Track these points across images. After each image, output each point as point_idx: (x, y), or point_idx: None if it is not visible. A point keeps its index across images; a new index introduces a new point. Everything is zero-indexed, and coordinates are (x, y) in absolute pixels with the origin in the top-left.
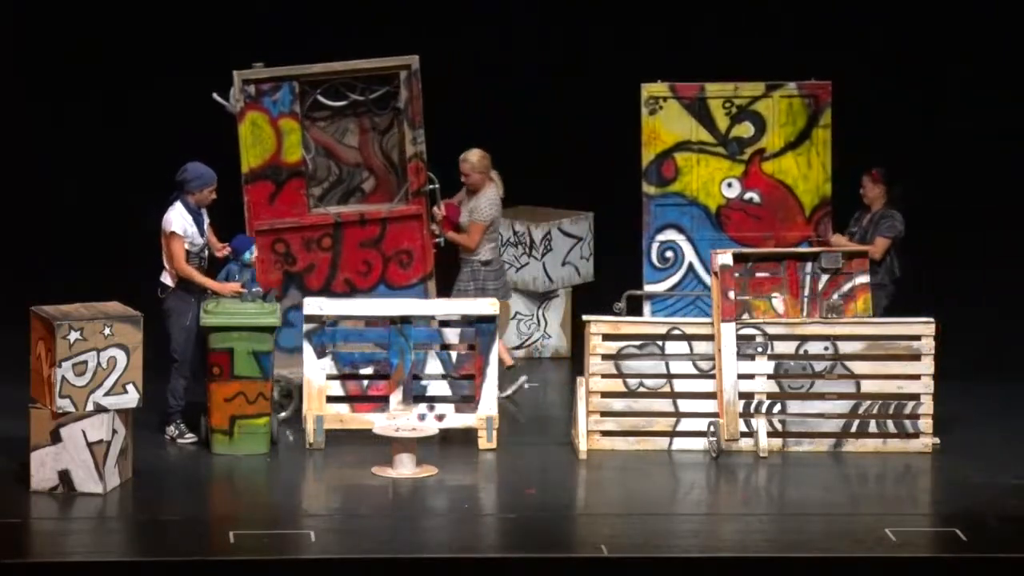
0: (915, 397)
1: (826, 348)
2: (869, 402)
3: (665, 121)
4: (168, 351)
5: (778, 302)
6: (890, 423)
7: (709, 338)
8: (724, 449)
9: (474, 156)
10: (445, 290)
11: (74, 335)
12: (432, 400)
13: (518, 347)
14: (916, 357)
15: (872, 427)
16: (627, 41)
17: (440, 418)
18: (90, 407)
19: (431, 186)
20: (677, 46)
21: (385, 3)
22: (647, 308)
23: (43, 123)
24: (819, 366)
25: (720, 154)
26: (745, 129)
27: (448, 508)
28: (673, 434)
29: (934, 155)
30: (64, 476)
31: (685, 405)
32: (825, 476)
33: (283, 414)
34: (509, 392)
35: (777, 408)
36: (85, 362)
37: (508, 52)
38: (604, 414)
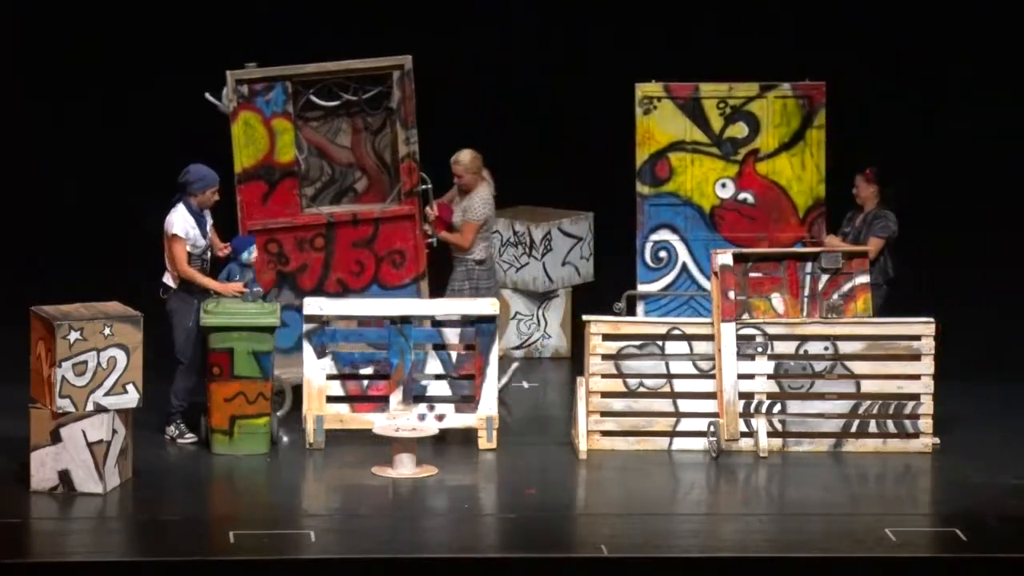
0: (915, 397)
1: (826, 348)
2: (869, 402)
3: (659, 121)
4: (171, 352)
5: (778, 302)
6: (890, 423)
7: (709, 338)
8: (724, 449)
9: (466, 157)
10: (438, 290)
11: (74, 335)
12: (432, 400)
13: (518, 347)
14: (916, 357)
15: (872, 427)
16: (626, 41)
17: (440, 418)
18: (90, 407)
19: (424, 186)
20: (676, 46)
21: (385, 3)
22: (640, 308)
23: (43, 123)
24: (819, 366)
25: (714, 154)
26: (739, 129)
27: (448, 508)
28: (673, 434)
29: (934, 155)
30: (64, 476)
31: (685, 405)
32: (825, 476)
33: (278, 413)
34: (504, 381)
35: (777, 408)
36: (85, 362)
37: (508, 52)
38: (604, 414)
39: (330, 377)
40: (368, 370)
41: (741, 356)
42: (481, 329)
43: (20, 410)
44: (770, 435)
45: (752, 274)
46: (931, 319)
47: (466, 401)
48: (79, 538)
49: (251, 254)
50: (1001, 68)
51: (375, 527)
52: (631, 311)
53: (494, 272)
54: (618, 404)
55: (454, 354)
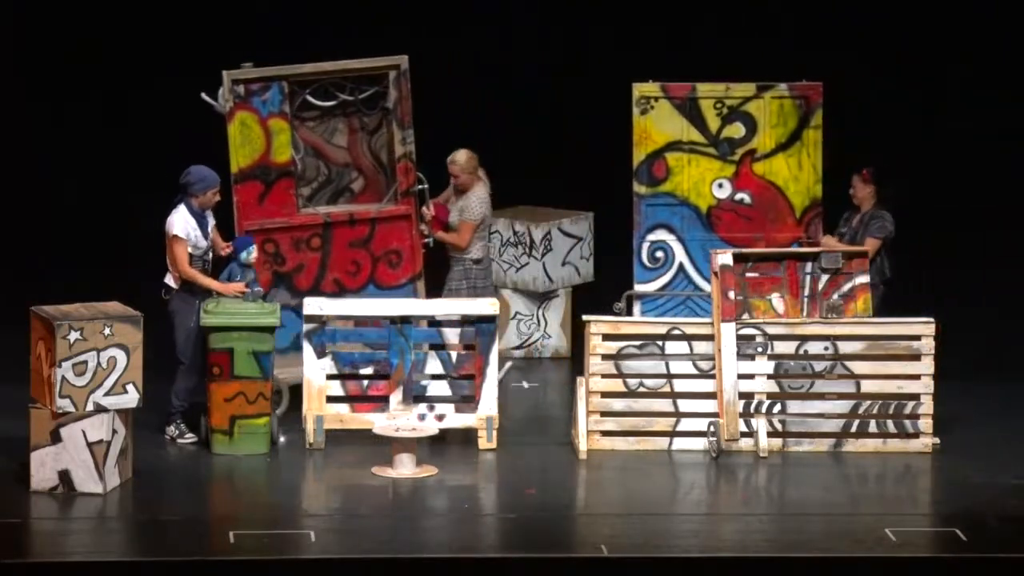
0: (915, 397)
1: (826, 348)
2: (869, 402)
3: (656, 121)
4: (172, 352)
5: (778, 302)
6: (890, 423)
7: (709, 338)
8: (724, 449)
9: (462, 157)
10: (435, 290)
11: (74, 335)
12: (432, 400)
13: (518, 347)
14: (916, 357)
15: (872, 427)
16: (626, 41)
17: (440, 418)
18: (90, 407)
19: (420, 186)
20: (676, 46)
21: (385, 3)
22: (637, 308)
23: (43, 123)
24: (819, 366)
25: (711, 154)
26: (736, 130)
27: (448, 508)
28: (673, 434)
29: (934, 155)
30: (64, 476)
31: (685, 405)
32: (825, 476)
33: (276, 412)
34: (499, 376)
35: (777, 408)
36: (85, 362)
37: (508, 52)
38: (604, 414)
39: (330, 377)
40: (368, 370)
41: (741, 356)
42: (481, 329)
43: (20, 410)
44: (770, 435)
45: (752, 274)
46: (931, 319)
47: (466, 401)
48: (79, 538)
49: (250, 254)
50: (1001, 68)
51: (375, 527)
52: (630, 311)
53: (491, 271)
54: (618, 404)
55: (454, 354)
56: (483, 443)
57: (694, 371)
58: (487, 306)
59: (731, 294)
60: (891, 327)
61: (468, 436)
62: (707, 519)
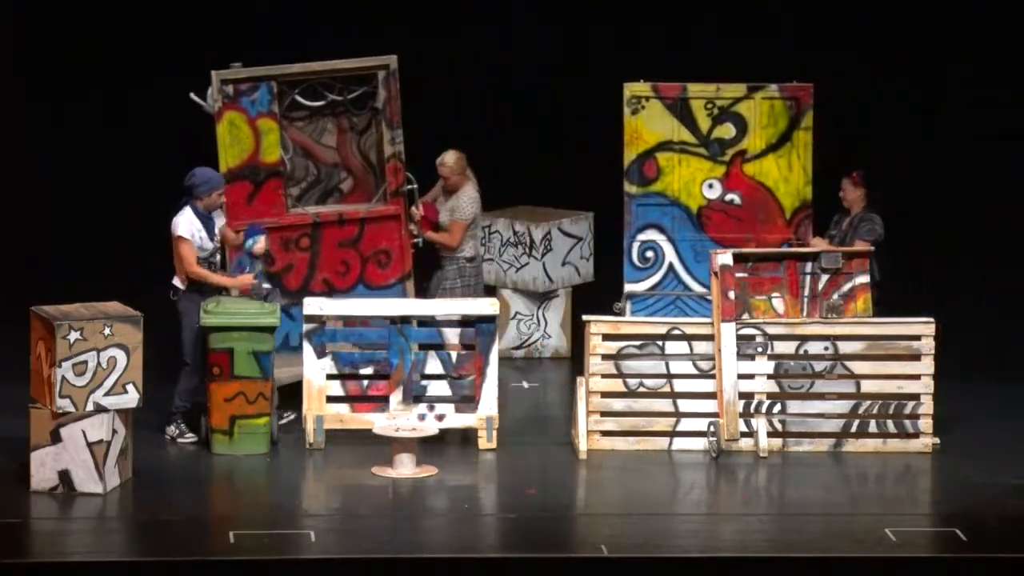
0: (915, 397)
1: (826, 348)
2: (869, 402)
3: (647, 121)
4: (177, 352)
5: (778, 302)
6: (890, 423)
7: (709, 338)
8: (724, 449)
9: (450, 158)
10: (422, 290)
11: (74, 335)
12: (432, 400)
13: (518, 347)
14: (916, 357)
15: (872, 427)
16: (627, 41)
17: (440, 418)
18: (90, 407)
19: (409, 186)
20: (677, 46)
21: (385, 3)
22: (627, 308)
23: (43, 123)
24: (819, 366)
25: (702, 155)
26: (727, 130)
27: (448, 508)
28: (673, 434)
29: (934, 155)
30: (64, 476)
31: (685, 405)
32: (825, 476)
33: None
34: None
35: (777, 408)
36: (85, 362)
37: (508, 52)
38: (604, 414)
39: (330, 377)
40: (368, 370)
41: (741, 356)
42: (481, 329)
43: (20, 410)
44: (770, 435)
45: (752, 274)
46: (931, 319)
47: (466, 401)
48: (79, 538)
49: (255, 243)
50: (1001, 68)
51: (375, 527)
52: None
53: (482, 269)
54: (618, 404)
55: (454, 354)
56: (483, 443)
57: (694, 371)
58: (487, 306)
59: (731, 294)
60: (891, 327)
61: (468, 436)
62: (707, 519)
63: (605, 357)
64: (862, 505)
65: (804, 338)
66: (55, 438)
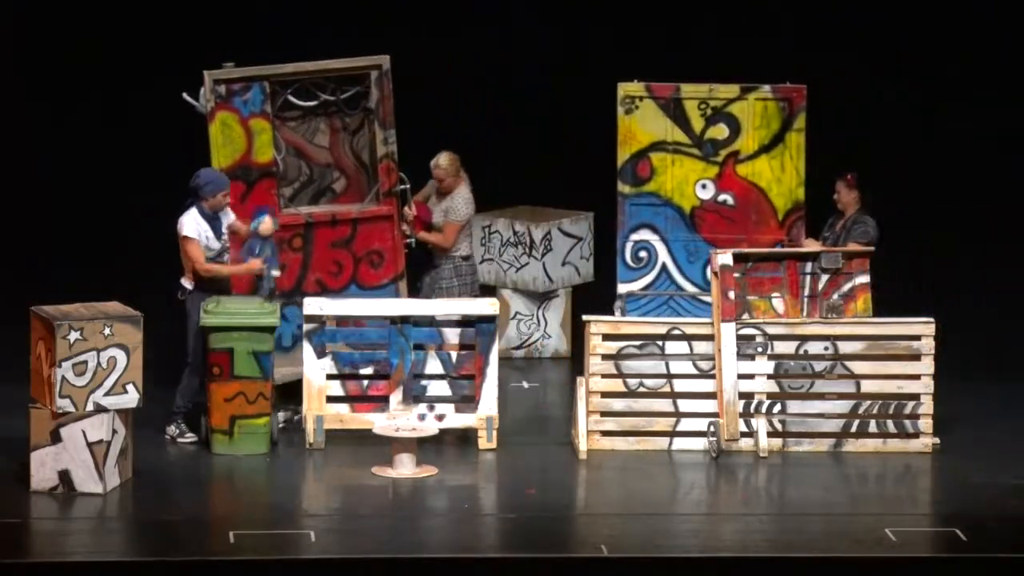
0: (915, 397)
1: (826, 348)
2: (869, 402)
3: (641, 121)
4: (182, 352)
5: (778, 302)
6: (890, 423)
7: (709, 338)
8: (724, 449)
9: (444, 160)
10: (413, 291)
11: (74, 335)
12: (432, 400)
13: (518, 347)
14: (916, 357)
15: (872, 427)
16: (627, 41)
17: (440, 418)
18: (90, 407)
19: (402, 186)
20: (677, 46)
21: (385, 3)
22: (624, 307)
23: (43, 123)
24: (819, 366)
25: (695, 155)
26: (720, 131)
27: (448, 508)
28: (673, 434)
29: (934, 155)
30: (64, 476)
31: (685, 405)
32: (825, 476)
33: None
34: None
35: (777, 408)
36: (85, 362)
37: (507, 52)
38: (604, 414)
39: (330, 377)
40: (368, 370)
41: (741, 356)
42: (481, 329)
43: (20, 410)
44: (770, 435)
45: (752, 274)
46: (931, 319)
47: (466, 401)
48: (79, 538)
49: (260, 223)
50: (1001, 68)
51: (375, 527)
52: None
53: (477, 267)
54: (618, 404)
55: (454, 354)
56: (483, 443)
57: (694, 371)
58: (487, 306)
59: (731, 294)
60: (891, 327)
61: (468, 436)
62: (707, 519)
63: (605, 357)
64: (862, 505)
65: (804, 338)
66: (55, 438)
